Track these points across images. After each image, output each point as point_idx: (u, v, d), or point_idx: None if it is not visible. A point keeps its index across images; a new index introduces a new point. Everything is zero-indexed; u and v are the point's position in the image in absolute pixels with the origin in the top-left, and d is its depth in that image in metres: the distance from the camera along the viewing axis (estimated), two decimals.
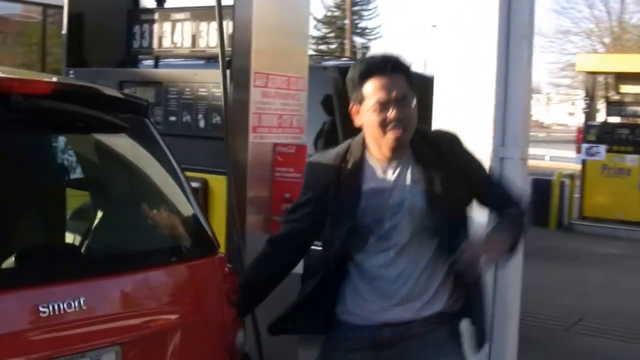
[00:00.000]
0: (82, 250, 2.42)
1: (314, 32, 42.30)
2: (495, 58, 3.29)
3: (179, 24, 4.48)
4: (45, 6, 11.27)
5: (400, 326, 2.65)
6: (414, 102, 2.60)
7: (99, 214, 2.70)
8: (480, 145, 3.33)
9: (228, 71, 3.93)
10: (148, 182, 2.72)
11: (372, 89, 2.59)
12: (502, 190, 2.80)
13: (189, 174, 4.12)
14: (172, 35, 4.51)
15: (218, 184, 4.06)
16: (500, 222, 2.73)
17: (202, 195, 4.09)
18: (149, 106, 2.67)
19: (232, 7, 4.01)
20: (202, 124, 4.17)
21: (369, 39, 43.31)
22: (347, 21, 38.08)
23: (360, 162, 2.69)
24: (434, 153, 2.66)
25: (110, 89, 2.67)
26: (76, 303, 2.16)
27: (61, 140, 2.51)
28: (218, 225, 4.05)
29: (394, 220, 2.63)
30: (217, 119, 4.11)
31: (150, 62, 4.78)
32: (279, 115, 4.12)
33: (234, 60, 3.97)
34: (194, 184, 4.09)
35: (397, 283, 2.66)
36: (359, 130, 2.75)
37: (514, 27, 3.37)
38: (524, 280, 3.80)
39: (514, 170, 3.35)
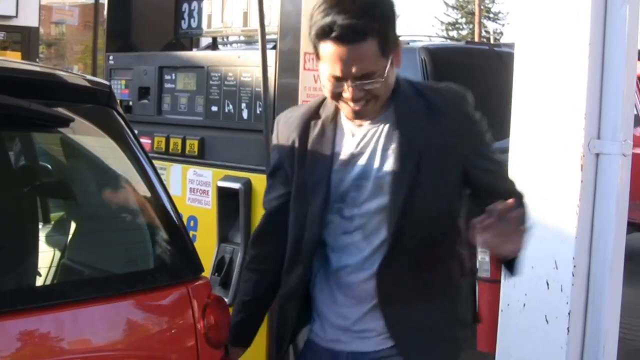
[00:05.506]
0: None
1: (444, 18, 41.14)
2: (587, 23, 2.52)
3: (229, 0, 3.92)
4: None
5: None
6: (387, 72, 1.98)
7: (15, 230, 2.07)
8: (567, 137, 2.60)
9: (274, 52, 3.37)
10: (94, 186, 2.14)
11: (327, 56, 1.97)
12: (505, 185, 2.09)
13: (230, 172, 3.67)
14: (222, 14, 3.96)
15: (263, 185, 3.50)
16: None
17: (245, 199, 3.55)
18: (112, 93, 2.08)
19: None
20: (245, 114, 3.61)
21: (502, 24, 41.46)
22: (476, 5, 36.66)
23: (334, 119, 2.14)
24: (420, 111, 2.04)
25: (66, 74, 2.11)
26: None
27: None
28: None
29: (357, 198, 2.06)
30: (261, 109, 3.53)
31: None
32: None
33: (281, 39, 3.43)
34: (235, 185, 3.59)
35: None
36: None
37: None
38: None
39: (612, 169, 2.60)
